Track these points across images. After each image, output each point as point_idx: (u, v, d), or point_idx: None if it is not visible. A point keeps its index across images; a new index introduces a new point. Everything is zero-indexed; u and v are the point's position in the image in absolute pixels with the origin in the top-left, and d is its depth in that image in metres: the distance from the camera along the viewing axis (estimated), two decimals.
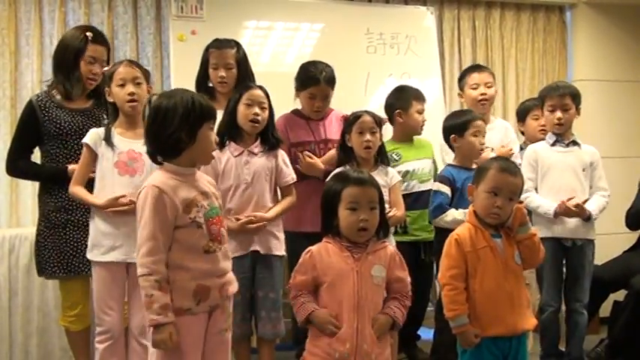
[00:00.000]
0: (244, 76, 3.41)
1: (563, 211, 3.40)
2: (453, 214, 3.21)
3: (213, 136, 2.33)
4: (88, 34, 3.18)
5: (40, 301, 3.68)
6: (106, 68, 3.02)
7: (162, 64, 4.40)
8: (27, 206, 4.11)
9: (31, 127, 3.14)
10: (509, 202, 2.51)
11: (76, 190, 2.90)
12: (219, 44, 3.41)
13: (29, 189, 4.11)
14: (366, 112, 3.27)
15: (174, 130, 2.21)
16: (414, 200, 3.55)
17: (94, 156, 2.88)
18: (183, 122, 2.21)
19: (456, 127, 3.36)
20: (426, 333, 3.96)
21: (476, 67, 4.07)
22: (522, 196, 3.41)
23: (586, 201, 3.45)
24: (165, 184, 2.22)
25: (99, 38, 3.23)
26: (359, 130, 3.20)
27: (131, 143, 2.89)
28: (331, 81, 3.50)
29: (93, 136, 2.91)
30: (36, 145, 3.20)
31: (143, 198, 2.21)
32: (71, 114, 3.14)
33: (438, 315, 3.51)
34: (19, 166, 3.21)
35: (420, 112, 3.72)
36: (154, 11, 4.42)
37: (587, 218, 3.44)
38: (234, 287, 2.39)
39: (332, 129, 3.54)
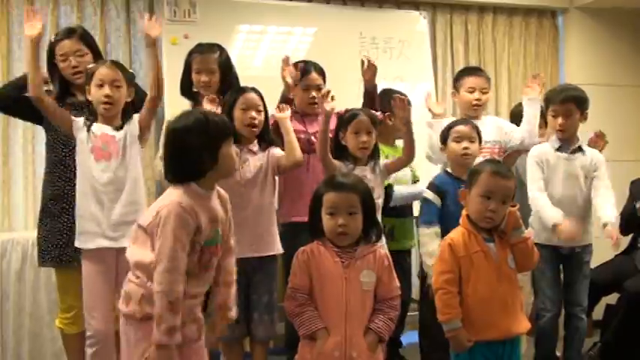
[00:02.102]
0: (228, 80, 3.40)
1: (564, 232, 3.22)
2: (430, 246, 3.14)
3: (234, 150, 2.31)
4: (51, 38, 3.26)
5: (31, 305, 3.67)
6: (89, 66, 3.01)
7: None
8: (19, 210, 4.10)
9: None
10: (503, 205, 2.50)
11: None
12: (201, 49, 3.39)
13: (21, 193, 4.10)
14: (362, 110, 3.23)
15: (195, 155, 2.20)
16: (400, 208, 3.54)
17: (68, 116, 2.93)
18: (203, 146, 2.19)
19: (442, 137, 3.36)
20: (412, 336, 3.99)
21: (474, 70, 4.00)
22: (531, 196, 3.39)
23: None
24: (188, 205, 2.19)
25: (62, 36, 3.23)
26: (355, 130, 3.13)
27: (104, 127, 2.92)
28: (322, 72, 3.50)
29: (78, 122, 2.95)
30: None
31: (166, 214, 2.16)
32: (74, 108, 3.13)
33: (422, 319, 3.51)
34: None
35: None
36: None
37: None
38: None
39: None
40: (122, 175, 2.90)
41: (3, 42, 4.12)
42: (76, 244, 2.92)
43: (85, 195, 2.90)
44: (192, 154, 2.20)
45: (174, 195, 2.21)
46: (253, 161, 3.08)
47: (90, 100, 2.94)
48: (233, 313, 2.43)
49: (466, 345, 2.46)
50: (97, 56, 3.27)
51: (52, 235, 3.08)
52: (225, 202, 2.38)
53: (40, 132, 4.02)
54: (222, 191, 2.38)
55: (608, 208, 3.30)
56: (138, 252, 2.26)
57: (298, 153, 3.11)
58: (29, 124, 4.07)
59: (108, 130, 2.92)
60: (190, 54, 3.41)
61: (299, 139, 3.31)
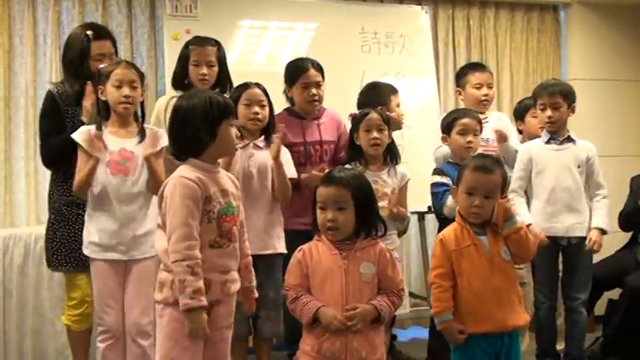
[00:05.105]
0: (224, 76, 3.40)
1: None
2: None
3: (234, 132, 2.40)
4: (88, 32, 3.19)
5: (34, 301, 3.67)
6: (102, 66, 2.98)
7: (156, 63, 4.40)
8: (21, 206, 4.10)
9: (55, 112, 3.13)
10: (487, 199, 2.50)
11: (76, 181, 2.84)
12: (200, 41, 3.39)
13: (23, 189, 4.10)
14: (374, 109, 3.26)
15: (194, 130, 2.31)
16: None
17: (89, 155, 2.85)
18: (202, 122, 2.30)
19: (444, 127, 3.42)
20: (413, 331, 4.00)
21: (478, 66, 4.02)
22: (510, 195, 3.38)
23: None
24: (194, 176, 2.29)
25: (101, 34, 3.24)
26: (366, 128, 3.20)
27: (123, 142, 2.88)
28: (320, 68, 3.49)
29: (84, 135, 2.86)
30: (64, 129, 3.09)
31: (171, 188, 2.28)
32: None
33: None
34: (52, 145, 3.11)
35: (399, 106, 3.68)
36: (149, 10, 4.41)
37: (604, 232, 3.38)
38: (236, 286, 2.41)
39: (327, 129, 3.52)
40: (137, 191, 2.87)
41: (5, 38, 4.12)
42: (86, 252, 2.89)
43: (99, 208, 2.86)
44: (191, 129, 2.31)
45: (177, 172, 2.33)
46: (259, 156, 3.08)
47: (102, 100, 2.91)
48: (255, 294, 2.53)
49: (458, 337, 2.46)
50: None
51: (68, 241, 3.07)
52: (237, 184, 2.48)
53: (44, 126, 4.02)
54: (230, 174, 2.50)
55: (600, 214, 3.40)
56: (160, 241, 2.34)
57: (288, 196, 3.13)
58: (31, 120, 4.10)
59: (128, 145, 2.88)
60: (187, 46, 3.40)
61: (297, 151, 3.32)
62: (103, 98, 2.91)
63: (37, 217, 4.10)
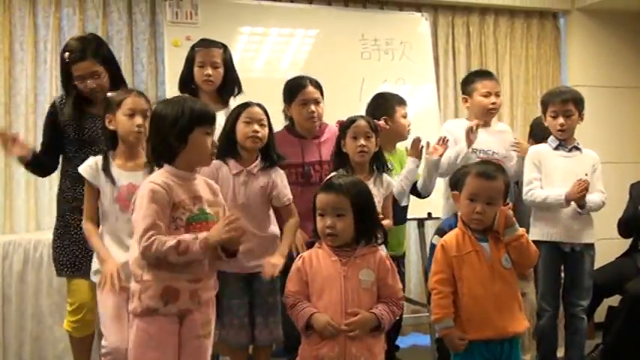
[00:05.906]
0: (230, 79, 3.39)
1: (573, 193, 3.33)
2: None
3: (209, 140, 2.37)
4: (65, 55, 3.09)
5: (33, 308, 3.67)
6: (109, 94, 2.88)
7: (156, 70, 4.40)
8: (20, 213, 4.10)
9: (52, 127, 3.15)
10: (489, 206, 2.50)
11: (89, 230, 2.77)
12: (206, 43, 3.38)
13: (23, 195, 4.10)
14: (361, 116, 3.21)
15: (164, 136, 2.31)
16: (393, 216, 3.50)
17: (96, 189, 2.77)
18: (171, 127, 2.30)
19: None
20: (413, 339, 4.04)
21: (486, 74, 3.89)
22: (528, 194, 3.45)
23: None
24: (162, 181, 2.29)
25: (80, 55, 3.06)
26: (353, 135, 3.12)
27: (130, 175, 2.76)
28: (319, 85, 3.43)
29: (90, 169, 2.76)
30: (57, 146, 3.12)
31: (141, 193, 2.28)
32: (92, 119, 3.09)
33: None
34: (39, 159, 3.15)
35: (405, 117, 3.66)
36: (149, 17, 4.42)
37: (582, 206, 3.38)
38: (210, 294, 2.39)
39: (327, 148, 3.41)
40: None
41: (5, 44, 4.12)
42: (93, 279, 2.81)
43: (109, 240, 2.76)
44: (161, 134, 2.32)
45: (151, 177, 2.35)
46: (251, 185, 2.96)
47: (109, 130, 2.79)
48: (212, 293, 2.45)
49: (458, 343, 2.46)
50: (113, 71, 3.18)
51: (68, 246, 3.07)
52: (216, 191, 2.47)
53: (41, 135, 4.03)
54: (214, 184, 2.49)
55: (593, 196, 3.43)
56: (132, 251, 2.33)
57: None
58: (31, 127, 4.11)
59: (136, 179, 2.71)
60: (193, 48, 3.40)
61: (295, 172, 3.28)
62: (112, 127, 2.78)
63: (37, 223, 4.10)
